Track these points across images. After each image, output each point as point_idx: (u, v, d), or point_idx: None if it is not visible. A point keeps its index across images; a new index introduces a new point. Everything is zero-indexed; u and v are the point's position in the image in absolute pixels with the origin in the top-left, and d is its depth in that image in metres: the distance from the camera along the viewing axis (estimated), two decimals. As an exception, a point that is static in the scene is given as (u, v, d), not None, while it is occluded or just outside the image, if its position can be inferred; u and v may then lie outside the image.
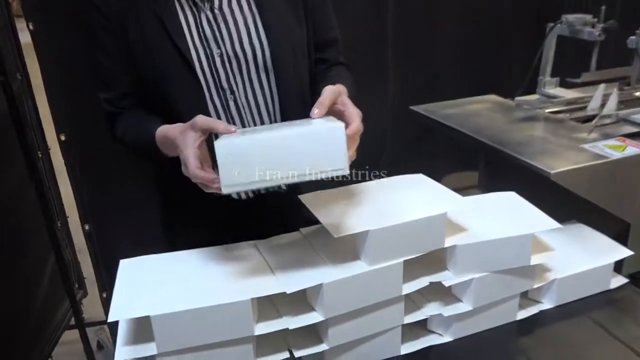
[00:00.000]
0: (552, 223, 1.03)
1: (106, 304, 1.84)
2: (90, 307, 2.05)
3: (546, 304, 1.14)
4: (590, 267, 1.14)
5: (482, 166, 1.77)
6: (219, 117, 1.09)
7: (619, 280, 1.20)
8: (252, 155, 0.79)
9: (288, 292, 0.85)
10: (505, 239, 0.99)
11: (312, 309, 0.91)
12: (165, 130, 0.98)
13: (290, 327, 0.87)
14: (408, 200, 0.99)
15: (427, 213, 0.92)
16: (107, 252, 1.76)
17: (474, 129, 1.50)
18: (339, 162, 0.81)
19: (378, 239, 0.89)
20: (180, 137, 0.89)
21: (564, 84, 1.77)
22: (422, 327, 1.07)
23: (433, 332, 1.06)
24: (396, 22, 2.20)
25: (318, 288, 0.87)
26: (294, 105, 1.12)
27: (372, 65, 2.25)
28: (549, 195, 1.34)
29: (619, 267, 1.41)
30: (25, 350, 1.53)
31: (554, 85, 1.80)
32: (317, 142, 0.81)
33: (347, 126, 0.86)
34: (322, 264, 0.92)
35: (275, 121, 1.14)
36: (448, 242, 0.96)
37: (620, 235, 1.37)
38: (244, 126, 1.12)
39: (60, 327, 1.79)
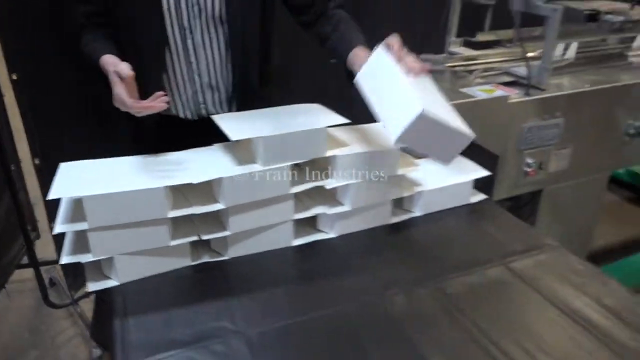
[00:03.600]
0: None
1: (57, 240, 1.98)
2: (42, 248, 2.22)
3: (416, 212, 1.41)
4: (452, 182, 1.42)
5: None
6: (177, 50, 1.32)
7: (479, 197, 1.48)
8: None
9: (194, 182, 1.08)
10: (375, 152, 1.24)
11: (217, 201, 1.15)
12: (105, 61, 1.19)
13: (197, 213, 1.11)
14: (300, 118, 1.23)
15: (311, 126, 1.17)
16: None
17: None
18: None
19: (269, 144, 1.13)
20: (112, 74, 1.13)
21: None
22: (312, 226, 1.33)
23: (321, 231, 1.32)
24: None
25: (219, 181, 1.11)
26: (243, 53, 1.36)
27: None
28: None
29: (489, 192, 1.71)
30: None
31: (458, 45, 2.06)
32: None
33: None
34: (225, 165, 1.16)
35: (225, 64, 1.37)
36: (329, 153, 1.21)
37: (494, 166, 1.66)
38: (197, 61, 1.35)
39: (13, 263, 1.93)
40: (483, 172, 1.47)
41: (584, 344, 0.97)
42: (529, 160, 1.67)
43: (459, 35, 2.04)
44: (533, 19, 1.81)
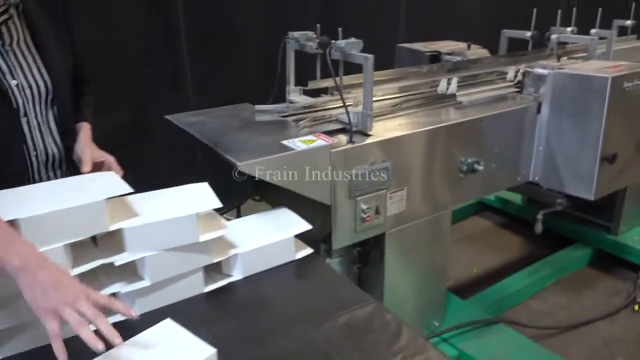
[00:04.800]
0: (215, 203, 1.23)
1: None
2: None
3: (236, 276, 1.32)
4: (272, 241, 1.35)
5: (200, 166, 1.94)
6: (12, 135, 1.26)
7: (305, 252, 1.42)
8: None
9: None
10: (169, 220, 1.15)
11: (-25, 296, 1.00)
12: None
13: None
14: (81, 191, 1.12)
15: (84, 201, 1.06)
16: None
17: (202, 132, 1.67)
18: None
19: (33, 225, 1.01)
20: None
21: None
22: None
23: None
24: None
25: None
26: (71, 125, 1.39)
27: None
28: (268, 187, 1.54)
29: (329, 243, 1.67)
30: None
31: (297, 93, 2.05)
32: None
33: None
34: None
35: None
36: (114, 226, 1.11)
37: (327, 216, 1.62)
38: (34, 145, 1.30)
39: None
40: (305, 226, 1.42)
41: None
42: (364, 206, 1.65)
43: (297, 84, 2.03)
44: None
